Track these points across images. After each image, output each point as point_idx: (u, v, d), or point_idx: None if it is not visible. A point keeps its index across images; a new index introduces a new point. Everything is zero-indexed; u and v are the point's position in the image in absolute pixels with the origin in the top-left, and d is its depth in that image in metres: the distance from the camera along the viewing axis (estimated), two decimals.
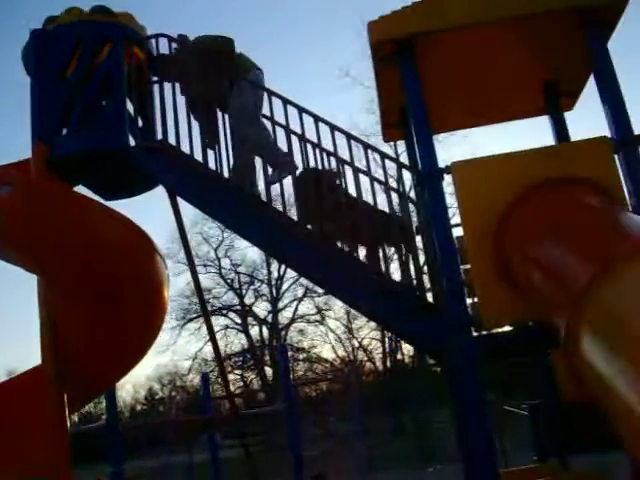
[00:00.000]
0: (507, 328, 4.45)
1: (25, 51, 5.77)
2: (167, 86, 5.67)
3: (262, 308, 39.57)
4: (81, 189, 5.79)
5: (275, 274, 38.41)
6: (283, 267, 37.94)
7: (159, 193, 5.92)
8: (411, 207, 5.48)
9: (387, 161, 5.46)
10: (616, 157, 4.29)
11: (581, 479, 5.76)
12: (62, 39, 5.61)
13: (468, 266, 4.30)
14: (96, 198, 5.73)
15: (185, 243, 5.98)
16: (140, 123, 5.77)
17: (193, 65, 5.55)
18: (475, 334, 4.22)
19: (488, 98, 5.80)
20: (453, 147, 34.88)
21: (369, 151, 5.21)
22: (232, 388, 35.83)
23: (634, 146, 4.34)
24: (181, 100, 5.62)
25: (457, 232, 4.48)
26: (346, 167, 5.23)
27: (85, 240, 4.85)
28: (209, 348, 38.99)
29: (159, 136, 5.56)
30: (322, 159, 5.17)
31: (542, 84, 5.76)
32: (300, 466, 10.35)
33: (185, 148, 5.45)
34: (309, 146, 5.25)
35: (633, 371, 2.06)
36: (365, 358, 39.08)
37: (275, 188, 5.26)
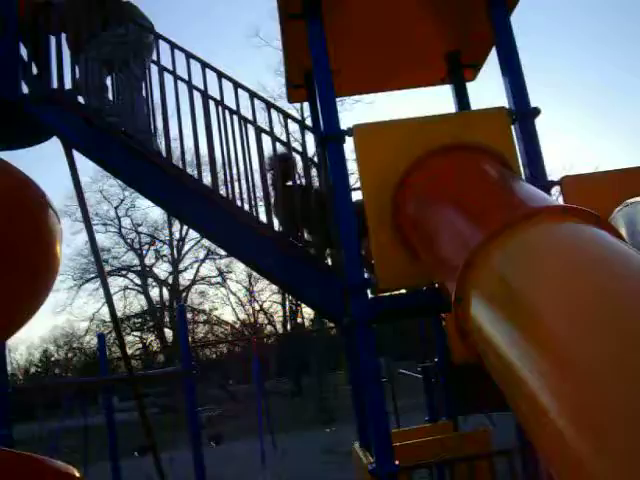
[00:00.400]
0: (402, 291, 4.53)
1: None
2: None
3: (163, 269, 39.16)
4: None
5: (177, 235, 38.03)
6: (185, 228, 37.59)
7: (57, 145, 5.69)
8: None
9: (291, 123, 5.43)
10: (513, 128, 4.41)
11: (467, 438, 6.00)
12: None
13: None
14: None
15: (81, 199, 5.77)
16: (34, 71, 5.49)
17: (79, 11, 5.32)
18: (370, 297, 4.28)
19: (392, 64, 5.82)
20: (359, 114, 35.11)
21: (273, 112, 5.16)
22: (131, 350, 35.50)
23: (531, 118, 4.47)
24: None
25: (357, 196, 4.51)
26: (249, 126, 5.17)
27: None
28: (106, 309, 38.32)
29: (54, 85, 5.34)
30: (224, 117, 5.08)
31: (445, 53, 5.84)
32: (196, 427, 10.32)
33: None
34: (212, 103, 5.15)
35: (519, 337, 2.12)
36: (266, 321, 39.34)
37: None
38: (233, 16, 48.79)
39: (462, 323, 2.60)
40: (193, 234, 38.02)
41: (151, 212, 38.50)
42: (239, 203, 5.08)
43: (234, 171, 5.15)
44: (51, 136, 5.65)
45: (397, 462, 3.97)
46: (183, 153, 5.03)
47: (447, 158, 3.84)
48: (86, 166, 35.50)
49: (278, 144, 5.15)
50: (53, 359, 47.33)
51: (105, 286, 6.25)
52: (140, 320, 38.27)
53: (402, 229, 3.91)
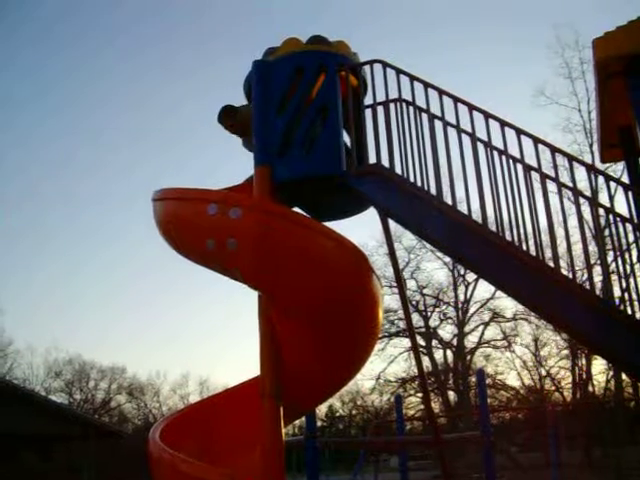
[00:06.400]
0: None
1: (247, 81, 6.14)
2: (379, 109, 5.81)
3: (447, 331, 39.21)
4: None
5: (462, 297, 37.90)
6: (470, 290, 37.39)
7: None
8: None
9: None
10: None
11: None
12: (282, 69, 5.86)
13: None
14: None
15: (395, 265, 6.05)
16: (354, 147, 5.89)
17: None
18: None
19: None
20: None
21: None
22: (412, 411, 35.75)
23: None
24: (394, 122, 5.72)
25: None
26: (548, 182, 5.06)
27: (310, 262, 5.02)
28: (392, 369, 39.22)
29: (372, 159, 5.69)
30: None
31: None
32: None
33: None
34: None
35: None
36: (552, 388, 37.42)
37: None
38: (511, 77, 49.22)
39: None
40: (478, 296, 37.79)
41: (435, 274, 38.95)
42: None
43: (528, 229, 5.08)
44: (367, 207, 6.00)
45: None
46: (500, 217, 5.04)
47: None
48: (373, 230, 37.12)
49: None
50: (337, 414, 49.26)
51: (414, 346, 6.43)
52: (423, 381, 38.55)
53: None
